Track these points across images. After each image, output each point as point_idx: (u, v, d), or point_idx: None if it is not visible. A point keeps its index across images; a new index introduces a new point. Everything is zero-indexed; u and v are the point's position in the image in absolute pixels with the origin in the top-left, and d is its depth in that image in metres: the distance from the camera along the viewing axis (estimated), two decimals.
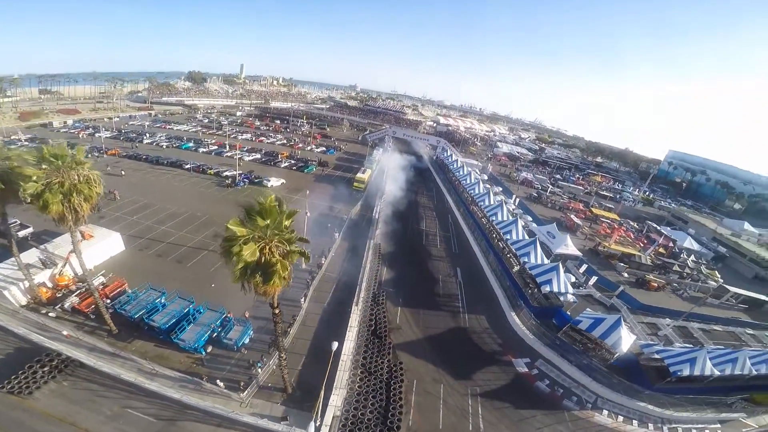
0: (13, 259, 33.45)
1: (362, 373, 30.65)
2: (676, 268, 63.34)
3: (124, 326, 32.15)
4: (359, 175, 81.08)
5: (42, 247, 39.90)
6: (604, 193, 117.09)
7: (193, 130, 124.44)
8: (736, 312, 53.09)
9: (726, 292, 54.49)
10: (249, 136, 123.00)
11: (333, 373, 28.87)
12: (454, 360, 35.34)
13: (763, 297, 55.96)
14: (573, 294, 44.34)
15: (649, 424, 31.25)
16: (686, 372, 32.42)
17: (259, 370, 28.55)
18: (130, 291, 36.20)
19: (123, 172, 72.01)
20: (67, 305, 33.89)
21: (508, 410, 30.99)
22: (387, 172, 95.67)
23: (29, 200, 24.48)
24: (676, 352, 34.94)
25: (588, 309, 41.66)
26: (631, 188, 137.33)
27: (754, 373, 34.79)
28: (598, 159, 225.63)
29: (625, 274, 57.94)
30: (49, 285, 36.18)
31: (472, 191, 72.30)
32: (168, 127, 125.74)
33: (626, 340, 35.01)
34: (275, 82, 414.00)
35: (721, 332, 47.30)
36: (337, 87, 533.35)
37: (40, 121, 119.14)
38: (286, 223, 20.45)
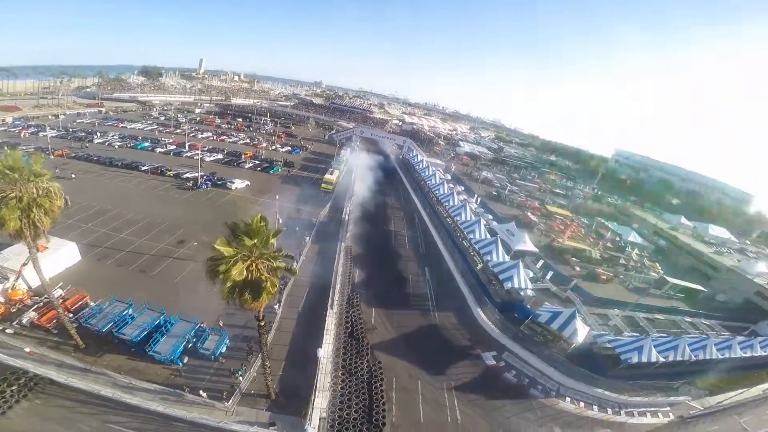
0: None
1: (343, 374, 31.66)
2: (622, 261, 69.26)
3: (91, 340, 30.98)
4: (327, 176, 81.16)
5: None
6: (558, 191, 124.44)
7: (149, 128, 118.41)
8: (675, 301, 58.97)
9: (666, 283, 60.32)
10: (210, 134, 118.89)
11: (314, 376, 29.78)
12: (427, 356, 37.15)
13: (698, 287, 62.49)
14: (532, 289, 47.60)
15: (608, 409, 34.73)
16: (635, 359, 36.24)
17: (241, 378, 28.83)
18: (93, 304, 34.88)
19: (73, 176, 67.34)
20: (25, 320, 32.26)
21: (481, 401, 33.28)
22: (355, 173, 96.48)
23: None
24: (625, 341, 38.89)
25: (546, 303, 44.94)
26: (582, 185, 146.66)
27: (694, 358, 39.36)
28: (552, 157, 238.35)
29: (578, 268, 62.43)
30: (1, 300, 34.21)
31: (437, 191, 75.00)
32: (121, 125, 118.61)
33: (581, 332, 38.47)
34: (236, 78, 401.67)
35: (663, 320, 52.49)
36: (302, 83, 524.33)
37: None
38: (272, 240, 21.00)
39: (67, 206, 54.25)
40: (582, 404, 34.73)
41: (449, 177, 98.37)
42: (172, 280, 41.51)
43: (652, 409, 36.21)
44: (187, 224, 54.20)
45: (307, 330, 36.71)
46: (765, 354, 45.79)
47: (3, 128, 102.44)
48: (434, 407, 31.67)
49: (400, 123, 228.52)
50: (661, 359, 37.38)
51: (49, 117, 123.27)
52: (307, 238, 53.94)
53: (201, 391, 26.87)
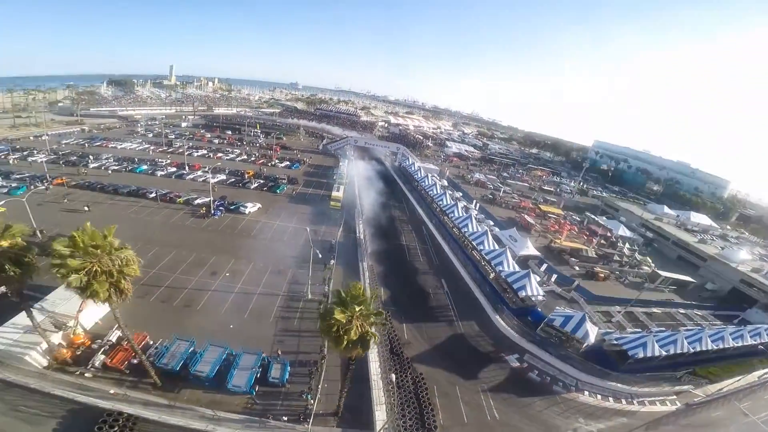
0: (12, 321, 35.34)
1: (392, 388, 36.26)
2: (616, 257, 75.97)
3: (164, 378, 33.63)
4: (335, 193, 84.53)
5: (38, 305, 39.17)
6: (546, 188, 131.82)
7: (140, 148, 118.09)
8: (668, 294, 65.70)
9: (658, 277, 67.06)
10: (205, 152, 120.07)
11: (368, 392, 34.53)
12: (459, 363, 42.18)
13: (688, 278, 69.49)
14: (543, 295, 53.12)
15: (622, 399, 40.67)
16: (641, 354, 42.28)
17: (310, 400, 33.07)
18: (157, 344, 37.67)
19: (86, 208, 67.53)
20: (97, 363, 34.83)
21: (512, 399, 38.61)
22: (357, 185, 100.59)
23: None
24: (630, 338, 44.90)
25: (557, 307, 50.51)
26: (567, 179, 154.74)
27: (692, 350, 45.70)
28: (534, 150, 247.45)
29: (576, 268, 68.92)
30: (64, 344, 36.63)
31: (440, 202, 79.96)
32: (110, 145, 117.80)
33: (591, 332, 44.15)
34: (211, 84, 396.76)
35: (660, 313, 59.28)
36: (278, 85, 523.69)
37: None
38: (373, 304, 25.88)
39: None
40: (599, 396, 40.53)
41: (445, 183, 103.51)
42: (218, 313, 44.19)
43: (660, 398, 42.33)
44: (214, 254, 56.68)
45: None
46: (755, 342, 52.65)
47: None
48: (474, 408, 36.70)
49: (386, 124, 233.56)
50: (663, 353, 43.46)
51: (31, 138, 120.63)
52: (333, 261, 57.45)
53: (284, 417, 31.01)
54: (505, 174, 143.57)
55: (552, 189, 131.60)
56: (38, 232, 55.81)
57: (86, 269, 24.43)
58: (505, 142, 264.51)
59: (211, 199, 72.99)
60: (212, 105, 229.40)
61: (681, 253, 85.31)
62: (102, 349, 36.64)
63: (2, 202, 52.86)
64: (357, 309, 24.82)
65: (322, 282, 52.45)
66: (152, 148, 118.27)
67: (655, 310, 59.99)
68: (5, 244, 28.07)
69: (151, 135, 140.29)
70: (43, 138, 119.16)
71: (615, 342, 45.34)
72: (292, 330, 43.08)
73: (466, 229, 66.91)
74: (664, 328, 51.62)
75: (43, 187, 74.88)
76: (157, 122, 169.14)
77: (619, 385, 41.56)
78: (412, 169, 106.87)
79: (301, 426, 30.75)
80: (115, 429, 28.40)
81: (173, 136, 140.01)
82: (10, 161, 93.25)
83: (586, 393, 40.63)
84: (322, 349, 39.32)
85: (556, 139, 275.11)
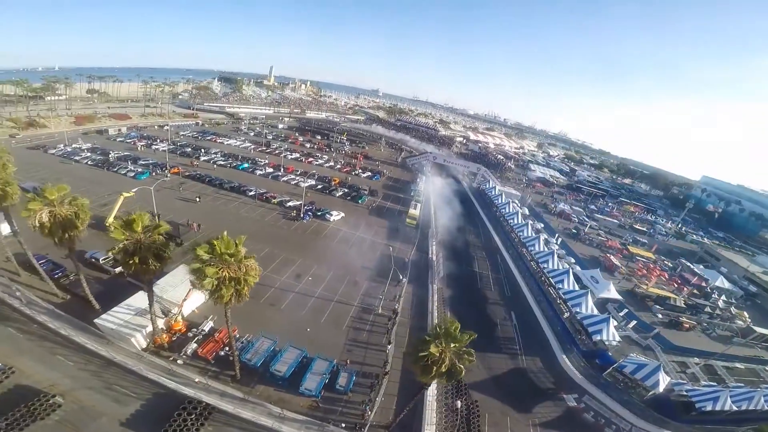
0: (126, 302, 41.96)
1: (445, 411, 40.36)
2: (707, 309, 72.38)
3: (243, 371, 38.41)
4: (411, 211, 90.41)
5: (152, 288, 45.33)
6: (638, 226, 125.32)
7: (243, 145, 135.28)
8: (759, 350, 61.93)
9: (752, 332, 63.39)
10: (297, 155, 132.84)
11: (423, 411, 38.64)
12: (516, 396, 44.96)
13: None
14: (618, 341, 53.85)
15: None
16: (709, 408, 42.46)
17: (368, 411, 37.75)
18: (243, 338, 42.94)
19: (198, 199, 79.69)
20: (189, 351, 40.20)
21: None
22: (433, 204, 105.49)
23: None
24: (703, 391, 44.88)
25: (631, 354, 51.17)
26: (664, 220, 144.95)
27: (767, 408, 44.32)
28: (627, 181, 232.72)
29: (660, 315, 67.17)
30: (164, 330, 41.68)
31: (520, 232, 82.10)
32: (218, 140, 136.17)
33: (663, 382, 44.75)
34: (303, 87, 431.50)
35: (743, 369, 56.52)
36: (361, 91, 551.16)
37: (94, 126, 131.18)
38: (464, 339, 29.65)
39: (197, 232, 65.63)
40: None
41: (526, 212, 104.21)
42: (298, 315, 49.35)
43: None
44: (300, 257, 64.40)
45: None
46: None
47: (120, 139, 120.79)
48: None
49: (464, 140, 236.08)
50: (735, 408, 43.10)
51: (155, 127, 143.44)
52: (404, 279, 62.50)
53: (342, 424, 35.97)
54: (592, 206, 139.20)
55: (645, 229, 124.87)
56: (156, 217, 64.72)
57: (218, 275, 28.60)
58: (595, 168, 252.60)
59: (303, 203, 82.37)
60: (305, 108, 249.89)
61: None
62: (196, 338, 42.06)
63: (134, 189, 66.26)
64: (452, 346, 28.75)
65: (393, 299, 57.49)
66: (253, 146, 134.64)
67: (738, 365, 57.22)
68: (154, 238, 33.17)
69: (252, 134, 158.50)
70: (165, 128, 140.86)
71: (684, 393, 45.51)
72: (361, 341, 48.32)
73: (545, 265, 68.54)
74: (742, 384, 50.05)
75: (164, 175, 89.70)
76: (258, 121, 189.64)
77: None
78: (493, 193, 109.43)
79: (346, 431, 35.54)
80: (192, 416, 31.87)
81: (271, 137, 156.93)
82: (138, 148, 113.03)
83: None
84: (385, 365, 44.05)
85: (655, 170, 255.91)
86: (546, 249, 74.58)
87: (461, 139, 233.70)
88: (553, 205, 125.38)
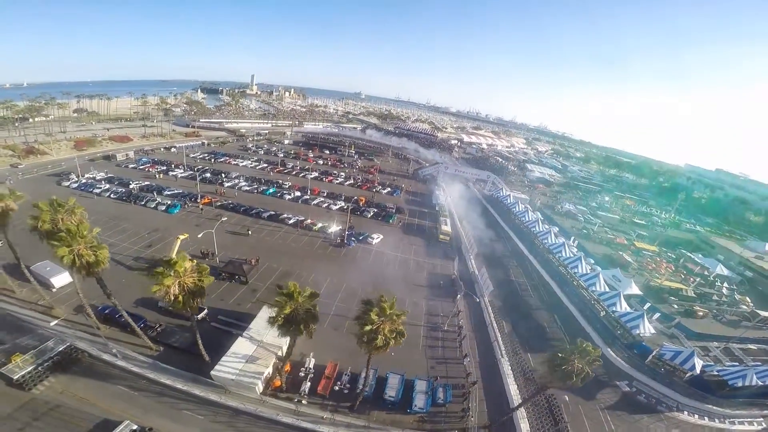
0: (232, 351, 45.48)
1: (531, 407, 49.62)
2: (714, 297, 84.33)
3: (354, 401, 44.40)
4: (444, 227, 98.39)
5: (246, 334, 48.98)
6: (638, 220, 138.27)
7: (259, 167, 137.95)
8: (766, 332, 73.83)
9: (757, 316, 75.30)
10: (315, 173, 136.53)
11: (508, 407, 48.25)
12: (579, 388, 53.79)
13: None
14: (651, 332, 64.66)
15: (715, 419, 52.28)
16: (740, 384, 53.52)
17: (471, 417, 46.54)
18: (346, 371, 48.32)
19: (250, 232, 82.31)
20: (306, 390, 44.96)
21: (625, 416, 51.38)
22: (457, 217, 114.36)
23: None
24: (731, 371, 56.08)
25: (664, 343, 62.31)
26: (658, 211, 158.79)
27: None
28: (612, 171, 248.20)
29: (675, 306, 78.48)
30: (277, 373, 45.14)
31: (544, 240, 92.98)
32: (232, 162, 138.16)
33: (698, 365, 55.77)
34: (288, 94, 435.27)
35: (755, 350, 68.15)
36: (344, 95, 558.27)
37: (96, 151, 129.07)
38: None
39: (256, 268, 68.53)
40: (696, 416, 52.39)
41: (540, 216, 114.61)
42: None
43: (749, 419, 53.35)
44: (360, 285, 68.85)
45: (490, 374, 54.88)
46: None
47: (133, 165, 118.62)
48: (596, 423, 49.66)
49: (459, 143, 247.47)
50: (760, 383, 54.30)
51: (162, 150, 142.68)
52: (459, 295, 71.32)
53: (456, 431, 44.84)
54: (593, 204, 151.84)
55: (644, 222, 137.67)
56: (210, 254, 70.37)
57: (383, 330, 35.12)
58: (582, 162, 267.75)
59: (346, 230, 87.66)
60: (300, 119, 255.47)
61: None
62: (308, 377, 46.80)
63: (186, 234, 67.99)
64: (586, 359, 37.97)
65: (452, 314, 65.39)
66: (269, 167, 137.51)
67: (751, 346, 68.78)
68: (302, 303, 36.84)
69: (262, 152, 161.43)
70: (172, 150, 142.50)
71: (716, 373, 56.64)
72: (438, 357, 55.96)
73: (575, 270, 79.36)
74: (760, 363, 61.71)
75: (198, 207, 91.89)
76: (261, 137, 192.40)
77: (715, 407, 53.16)
78: (508, 201, 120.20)
79: None
80: None
81: (281, 155, 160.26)
82: (157, 176, 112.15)
83: (686, 412, 52.57)
84: (468, 376, 52.32)
85: (639, 159, 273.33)
86: (572, 254, 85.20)
87: (456, 141, 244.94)
88: (559, 206, 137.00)
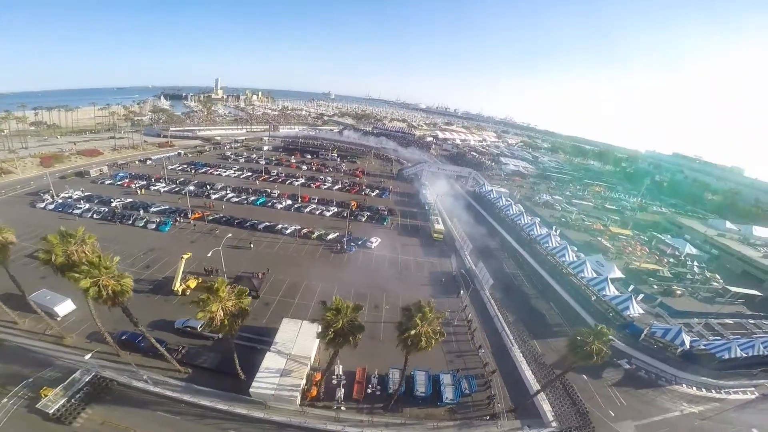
0: (265, 366, 46.06)
1: (549, 390, 53.00)
2: (688, 276, 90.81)
3: (386, 400, 46.80)
4: (437, 226, 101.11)
5: (274, 349, 49.33)
6: (609, 206, 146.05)
7: (243, 176, 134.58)
8: (738, 306, 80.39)
9: (728, 292, 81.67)
10: (302, 180, 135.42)
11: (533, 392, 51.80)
12: (586, 368, 55.81)
13: (755, 292, 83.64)
14: (641, 313, 69.33)
15: (712, 390, 57.28)
16: (726, 356, 58.58)
17: (495, 402, 49.83)
18: (374, 374, 50.43)
19: (252, 245, 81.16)
20: (341, 396, 46.13)
21: (632, 391, 55.58)
22: (446, 214, 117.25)
23: None
24: (716, 344, 61.26)
25: (653, 321, 67.23)
26: (625, 195, 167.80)
27: (766, 353, 61.17)
28: (577, 159, 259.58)
29: (655, 287, 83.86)
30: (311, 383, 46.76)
31: (531, 231, 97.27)
32: (214, 172, 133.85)
33: (687, 341, 60.67)
34: (255, 97, 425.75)
35: (732, 324, 73.98)
36: (313, 95, 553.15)
37: (65, 167, 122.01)
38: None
39: (264, 281, 68.71)
40: (694, 388, 57.32)
41: (522, 208, 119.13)
42: (395, 342, 55.66)
43: (741, 389, 58.68)
44: (368, 289, 70.70)
45: (504, 362, 58.02)
46: None
47: (110, 182, 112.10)
48: (607, 399, 53.53)
49: (434, 139, 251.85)
50: (744, 354, 59.59)
51: (137, 162, 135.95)
52: (462, 291, 73.82)
53: (487, 417, 47.55)
54: (568, 192, 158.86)
55: (615, 208, 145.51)
56: (216, 271, 69.11)
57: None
58: (551, 152, 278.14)
59: (346, 236, 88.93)
60: (275, 124, 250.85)
61: (746, 268, 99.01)
62: (341, 383, 47.75)
63: (189, 254, 65.21)
64: (602, 339, 41.55)
65: (459, 309, 68.06)
66: (253, 176, 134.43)
67: (728, 321, 74.80)
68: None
69: (242, 160, 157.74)
70: (148, 162, 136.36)
71: (703, 347, 61.77)
72: (454, 351, 58.77)
73: (563, 259, 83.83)
74: (739, 336, 67.42)
75: (190, 222, 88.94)
76: (239, 144, 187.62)
77: (709, 379, 58.22)
78: (492, 196, 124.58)
79: (500, 421, 47.31)
80: None
81: (263, 162, 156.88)
82: (138, 191, 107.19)
83: (684, 385, 57.48)
84: (486, 365, 55.82)
85: (604, 145, 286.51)
86: (558, 244, 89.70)
87: (431, 139, 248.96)
88: (537, 197, 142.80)
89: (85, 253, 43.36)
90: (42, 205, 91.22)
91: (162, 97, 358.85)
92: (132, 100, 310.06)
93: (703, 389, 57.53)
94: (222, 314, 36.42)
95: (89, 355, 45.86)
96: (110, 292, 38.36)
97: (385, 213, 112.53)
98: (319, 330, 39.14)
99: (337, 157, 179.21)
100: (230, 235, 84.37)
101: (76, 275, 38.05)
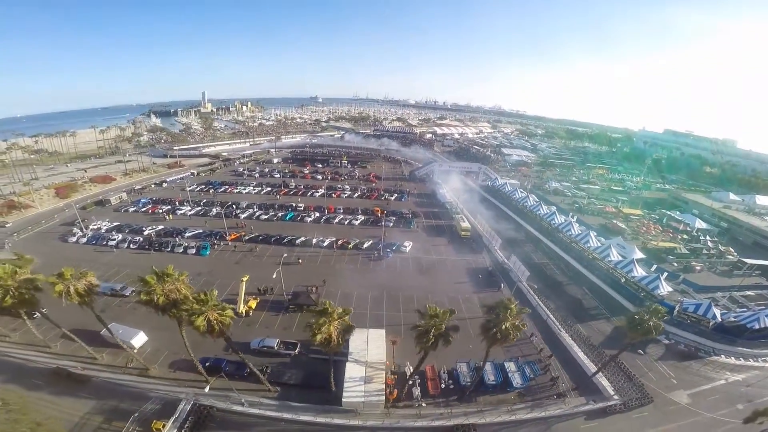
0: (348, 376, 49.45)
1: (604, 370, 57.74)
2: (704, 251, 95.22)
3: (460, 392, 50.88)
4: (463, 224, 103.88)
5: (352, 358, 52.31)
6: (615, 187, 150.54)
7: (264, 191, 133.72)
8: (756, 278, 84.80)
9: (744, 264, 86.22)
10: (322, 190, 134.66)
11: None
12: (633, 346, 59.50)
13: None
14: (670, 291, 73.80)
15: (750, 359, 61.94)
16: (756, 326, 63.08)
17: (560, 383, 54.57)
18: (442, 370, 53.90)
19: (300, 261, 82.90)
20: (418, 393, 49.76)
21: (677, 364, 60.19)
22: (468, 211, 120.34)
23: None
24: (745, 315, 65.75)
25: (683, 298, 71.73)
26: (628, 175, 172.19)
27: None
28: (571, 143, 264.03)
29: (675, 264, 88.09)
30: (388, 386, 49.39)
31: (552, 221, 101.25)
32: (234, 191, 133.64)
33: (717, 314, 65.35)
34: (245, 107, 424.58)
35: (753, 295, 78.46)
36: (302, 101, 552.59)
37: (82, 197, 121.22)
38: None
39: (318, 293, 70.25)
40: (732, 358, 62.03)
41: (536, 198, 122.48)
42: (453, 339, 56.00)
43: None
44: (412, 291, 73.69)
45: (556, 346, 62.44)
46: None
47: (133, 209, 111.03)
48: (657, 373, 57.90)
49: (433, 136, 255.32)
50: None
51: (153, 186, 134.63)
52: (502, 285, 78.28)
53: (555, 396, 52.27)
54: (574, 178, 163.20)
55: (621, 188, 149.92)
56: (270, 289, 71.50)
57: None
58: (546, 138, 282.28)
59: (382, 243, 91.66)
60: (277, 134, 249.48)
61: (757, 239, 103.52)
62: (416, 382, 50.76)
63: (247, 276, 67.97)
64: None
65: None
66: (273, 190, 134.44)
67: (749, 293, 79.34)
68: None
69: (257, 175, 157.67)
70: (164, 185, 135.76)
71: (733, 319, 66.45)
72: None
73: (588, 245, 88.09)
74: (763, 306, 72.04)
75: (229, 244, 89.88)
76: (248, 158, 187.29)
77: (745, 349, 62.99)
78: (506, 189, 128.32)
79: (560, 400, 51.81)
80: None
81: (278, 175, 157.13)
82: (166, 217, 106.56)
83: (723, 356, 62.15)
84: (541, 351, 60.46)
85: (598, 127, 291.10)
86: (581, 231, 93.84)
87: (430, 135, 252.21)
88: (546, 185, 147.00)
89: (178, 290, 46.69)
90: (74, 239, 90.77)
91: (152, 115, 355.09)
92: (125, 120, 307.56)
93: (741, 359, 62.21)
94: (335, 333, 39.72)
95: (207, 387, 49.30)
96: (218, 324, 41.44)
97: (410, 216, 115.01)
98: (415, 335, 42.52)
99: (348, 163, 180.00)
100: (269, 252, 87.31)
101: (186, 313, 41.37)
